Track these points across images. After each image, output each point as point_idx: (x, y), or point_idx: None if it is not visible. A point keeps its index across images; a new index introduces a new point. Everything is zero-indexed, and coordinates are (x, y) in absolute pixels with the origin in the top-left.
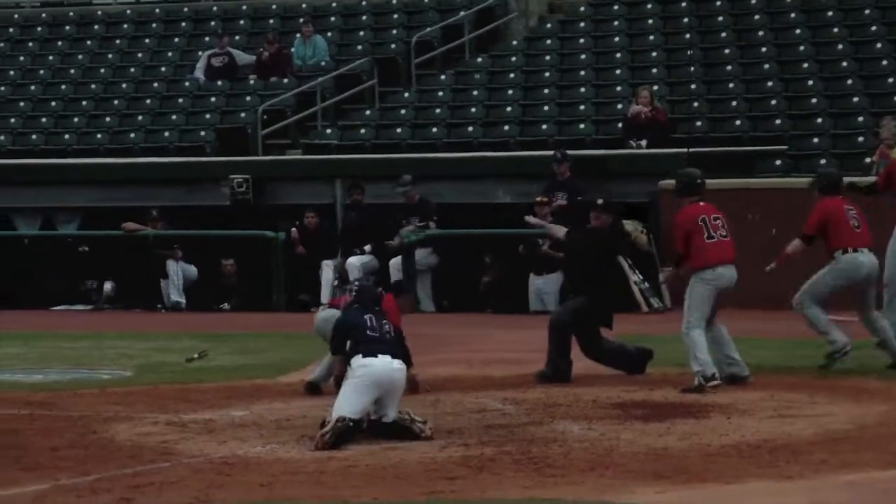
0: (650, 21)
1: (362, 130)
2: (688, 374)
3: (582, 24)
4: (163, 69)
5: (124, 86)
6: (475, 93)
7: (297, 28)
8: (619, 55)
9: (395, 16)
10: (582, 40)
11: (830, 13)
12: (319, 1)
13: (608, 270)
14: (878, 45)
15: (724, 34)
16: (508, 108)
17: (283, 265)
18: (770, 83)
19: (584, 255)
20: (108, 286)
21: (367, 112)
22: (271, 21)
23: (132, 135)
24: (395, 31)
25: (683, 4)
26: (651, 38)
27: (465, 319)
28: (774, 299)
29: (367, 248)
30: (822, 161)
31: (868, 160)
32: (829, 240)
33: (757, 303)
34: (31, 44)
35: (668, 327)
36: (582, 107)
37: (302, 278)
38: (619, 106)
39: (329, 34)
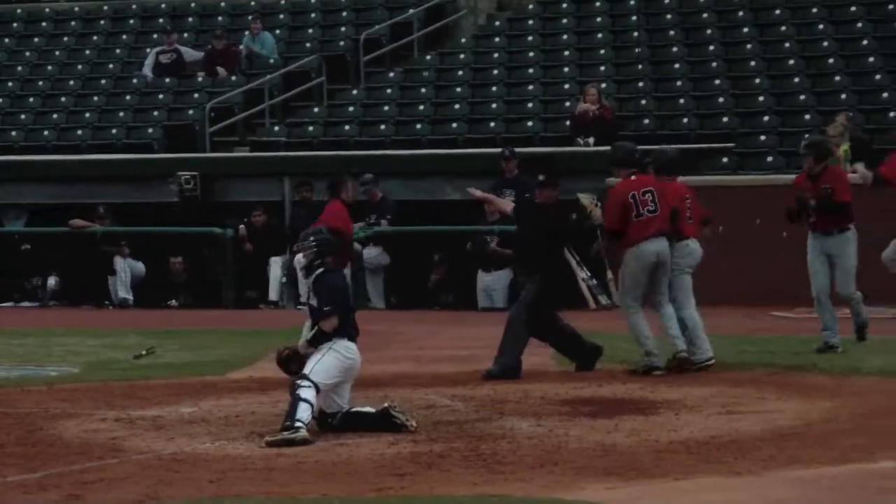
0: (598, 19)
1: (310, 128)
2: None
3: (530, 22)
4: (110, 66)
5: (72, 83)
6: (423, 90)
7: (246, 25)
8: (567, 53)
9: (344, 13)
10: (530, 38)
11: (778, 11)
12: None
13: (559, 247)
14: (825, 44)
15: (671, 32)
16: (457, 106)
17: (232, 262)
18: (717, 81)
19: (533, 231)
20: (51, 281)
21: (316, 109)
22: (220, 18)
23: (79, 132)
24: (343, 29)
25: (632, 2)
26: (599, 35)
27: (413, 316)
28: (717, 295)
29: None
30: (769, 159)
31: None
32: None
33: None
34: None
35: (616, 324)
36: (530, 104)
37: (250, 275)
38: (567, 104)
39: (278, 31)
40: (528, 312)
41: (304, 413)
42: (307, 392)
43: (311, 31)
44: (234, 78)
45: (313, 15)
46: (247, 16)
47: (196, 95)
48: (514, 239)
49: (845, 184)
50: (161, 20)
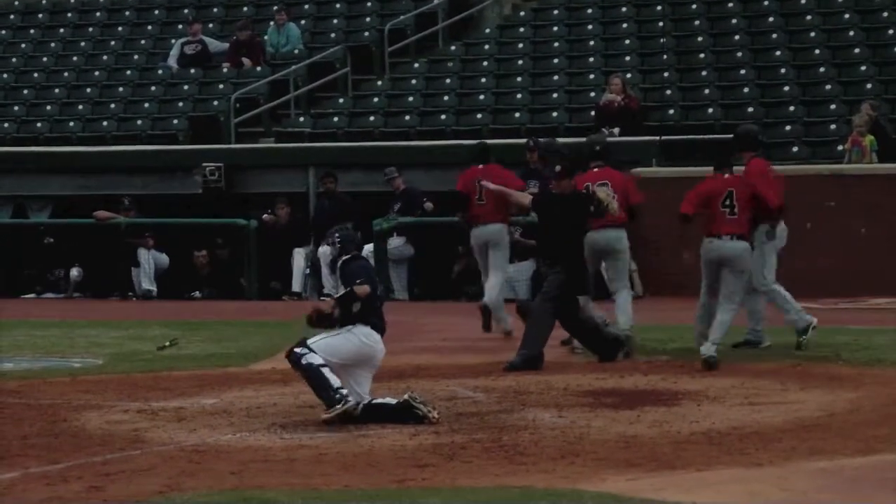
0: (623, 9)
1: (335, 118)
2: (655, 362)
3: (555, 13)
4: (135, 57)
5: (97, 74)
6: (448, 81)
7: (271, 16)
8: (592, 43)
9: (369, 4)
10: (555, 28)
11: (803, 1)
12: None
13: (580, 236)
14: (851, 34)
15: (696, 22)
16: (481, 97)
17: (256, 253)
18: (742, 71)
19: (554, 222)
20: (74, 272)
21: (340, 100)
22: (245, 9)
23: (105, 123)
24: (368, 19)
25: None
26: (624, 25)
27: (437, 307)
28: None
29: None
30: (795, 149)
31: (840, 148)
32: None
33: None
34: (3, 32)
35: (638, 316)
36: (555, 95)
37: (274, 266)
38: (592, 94)
39: (302, 22)
40: (554, 305)
41: (332, 378)
42: (313, 357)
43: (335, 21)
44: (258, 69)
45: (338, 5)
46: (272, 6)
47: (221, 86)
48: (535, 230)
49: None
50: (186, 11)
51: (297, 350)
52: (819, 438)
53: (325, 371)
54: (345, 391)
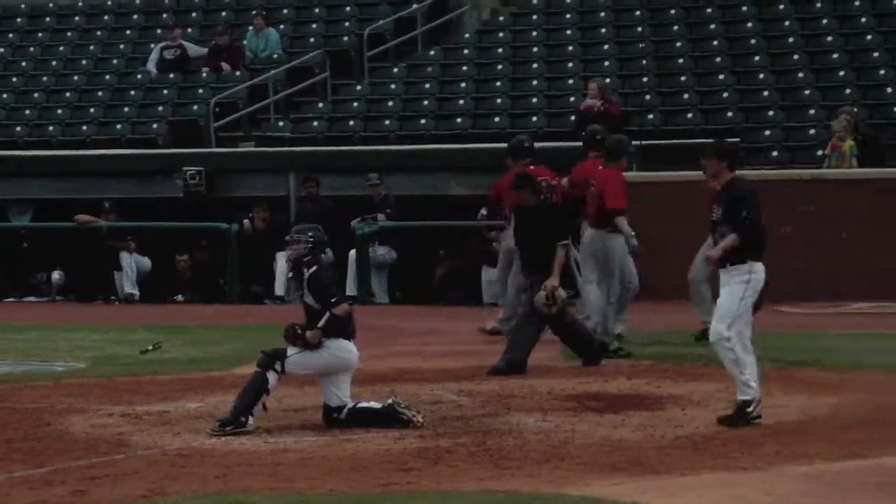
0: (602, 14)
1: (315, 123)
2: (640, 366)
3: (534, 17)
4: (115, 61)
5: (76, 78)
6: (427, 85)
7: (250, 20)
8: (571, 48)
9: (348, 8)
10: (534, 33)
11: (782, 6)
12: None
13: (554, 244)
14: (829, 39)
15: (675, 27)
16: (461, 101)
17: (237, 257)
18: (722, 76)
19: (526, 233)
20: (56, 275)
21: (320, 105)
22: (224, 13)
23: (84, 127)
24: (347, 24)
25: None
26: (603, 30)
27: (418, 312)
28: None
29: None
30: (774, 154)
31: (820, 153)
32: None
33: None
34: None
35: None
36: (534, 99)
37: (255, 270)
38: (572, 99)
39: (282, 27)
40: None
41: (258, 406)
42: (272, 378)
43: (314, 26)
44: (238, 73)
45: (317, 10)
46: (251, 11)
47: (200, 91)
48: (516, 239)
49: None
50: (165, 15)
51: (266, 363)
52: (801, 443)
53: (263, 395)
54: (251, 423)
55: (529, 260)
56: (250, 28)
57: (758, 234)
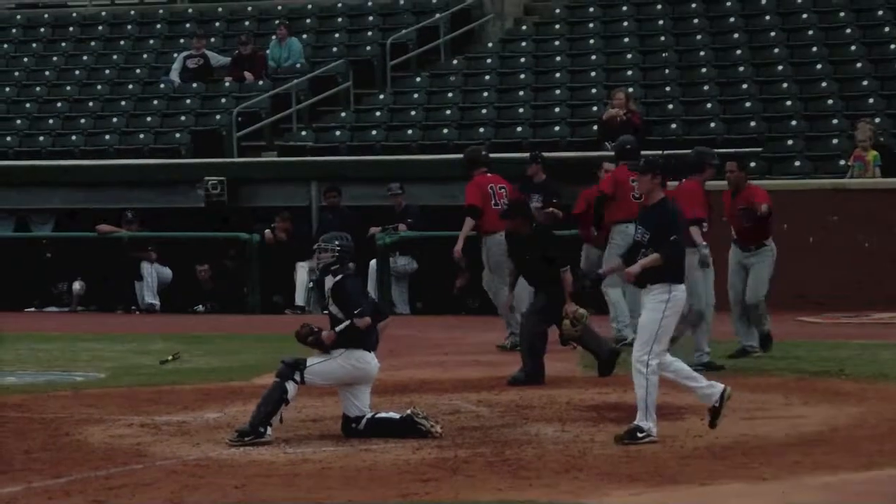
0: (625, 23)
1: (337, 132)
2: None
3: (557, 27)
4: (138, 71)
5: (99, 88)
6: (450, 95)
7: (273, 30)
8: (594, 57)
9: (371, 18)
10: (557, 42)
11: (805, 16)
12: (295, 3)
13: (552, 266)
14: (853, 48)
15: (699, 37)
16: (483, 111)
17: (258, 267)
18: (745, 85)
19: (522, 259)
20: (77, 286)
21: (343, 114)
22: (247, 23)
23: (107, 137)
24: (370, 33)
25: (659, 7)
26: (626, 40)
27: (439, 322)
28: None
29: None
30: (797, 163)
31: (842, 162)
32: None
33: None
34: (5, 45)
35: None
36: (557, 109)
37: (276, 280)
38: (595, 108)
39: (304, 36)
40: (541, 316)
41: (276, 416)
42: (291, 388)
43: (337, 35)
44: (260, 83)
45: (340, 20)
46: (274, 21)
47: (223, 100)
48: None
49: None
50: (188, 25)
51: (287, 373)
52: (822, 453)
53: (282, 405)
54: (270, 433)
55: (530, 281)
56: (273, 37)
57: (681, 257)
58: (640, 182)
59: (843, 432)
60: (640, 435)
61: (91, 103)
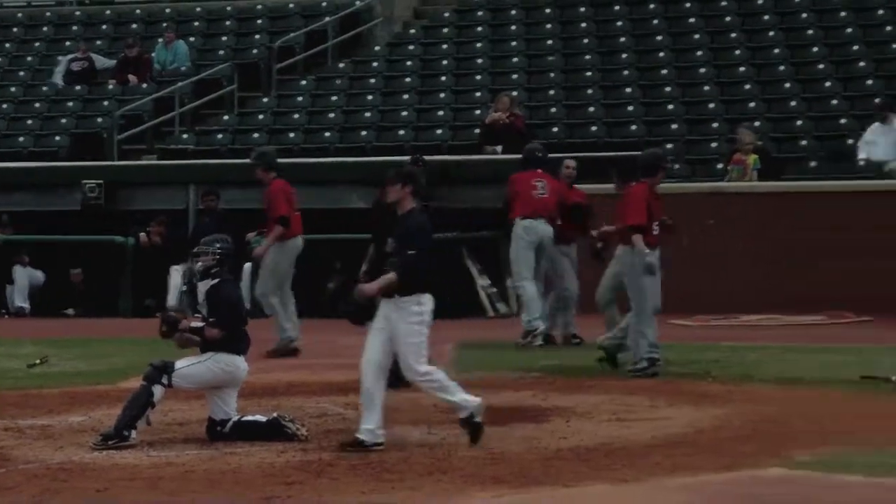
0: (512, 27)
1: (219, 136)
2: (527, 378)
3: (445, 30)
4: (21, 73)
5: None
6: (334, 98)
7: (161, 33)
8: (480, 61)
9: (259, 21)
10: (444, 46)
11: (691, 20)
12: (183, 5)
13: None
14: (737, 52)
15: (585, 40)
16: (367, 114)
17: (132, 270)
18: (628, 89)
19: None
20: None
21: (226, 117)
22: (134, 26)
23: None
24: (258, 36)
25: (547, 11)
26: (513, 43)
27: (310, 325)
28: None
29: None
30: (676, 166)
31: (720, 166)
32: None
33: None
34: None
35: (513, 332)
36: (440, 112)
37: (148, 283)
38: (478, 112)
39: (192, 39)
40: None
41: (141, 420)
42: (158, 391)
43: (225, 38)
44: (145, 86)
45: (228, 23)
46: (161, 23)
47: (106, 103)
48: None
49: None
50: (75, 27)
51: (153, 377)
52: (686, 454)
53: (148, 408)
54: (134, 437)
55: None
56: (160, 40)
57: (422, 269)
58: (390, 192)
59: (706, 434)
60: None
61: None
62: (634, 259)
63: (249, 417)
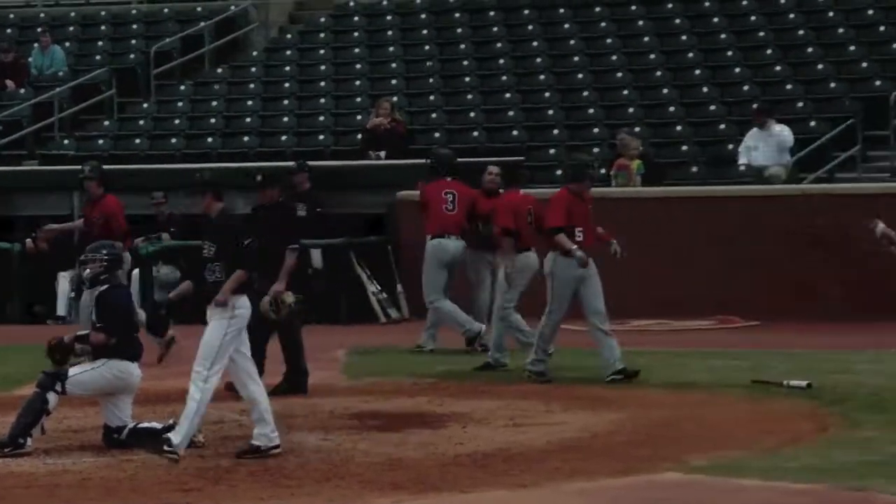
0: (390, 32)
1: (100, 141)
2: (423, 384)
3: (322, 35)
4: None
5: None
6: (214, 103)
7: (36, 37)
8: (358, 66)
9: (135, 26)
10: (322, 51)
11: (567, 25)
12: (58, 10)
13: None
14: (614, 58)
15: (462, 46)
16: (248, 119)
17: (19, 276)
18: (508, 95)
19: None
20: None
21: (106, 123)
22: (9, 30)
23: None
24: (134, 41)
25: (423, 17)
26: (391, 49)
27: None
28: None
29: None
30: (559, 172)
31: (602, 171)
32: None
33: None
34: None
35: (405, 338)
36: (321, 118)
37: (37, 290)
38: (359, 117)
39: (67, 44)
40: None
41: (31, 427)
42: (52, 398)
43: (101, 43)
44: (22, 91)
45: (103, 27)
46: (36, 28)
47: None
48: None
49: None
50: None
51: (47, 384)
52: (581, 459)
53: (43, 416)
54: (30, 444)
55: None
56: (35, 45)
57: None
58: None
59: (601, 438)
60: (168, 448)
61: None
62: (561, 262)
63: (145, 424)
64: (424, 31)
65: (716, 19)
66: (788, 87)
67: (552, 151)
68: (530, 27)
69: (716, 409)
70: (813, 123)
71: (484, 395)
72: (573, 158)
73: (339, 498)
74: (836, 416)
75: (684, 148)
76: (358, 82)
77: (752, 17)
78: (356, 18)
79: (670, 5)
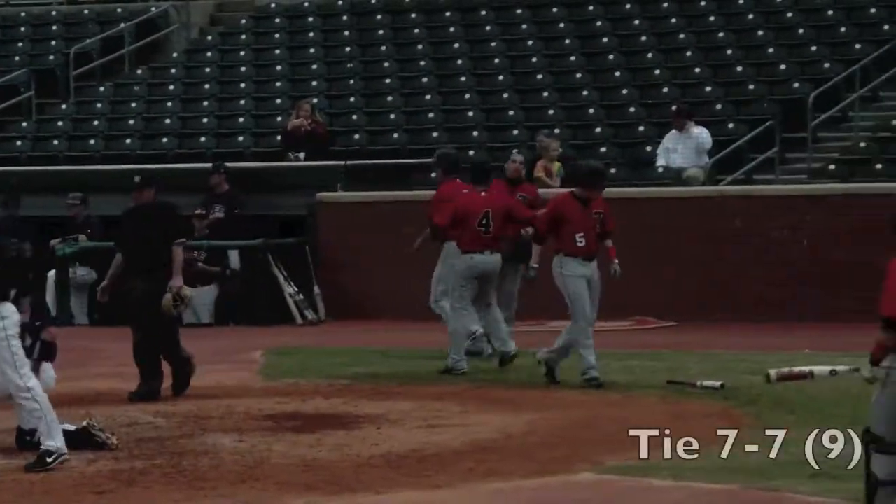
0: (311, 34)
1: (18, 143)
2: (338, 385)
3: (243, 37)
4: None
5: None
6: (134, 105)
7: None
8: (279, 68)
9: (55, 27)
10: (243, 53)
11: (488, 27)
12: None
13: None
14: (534, 59)
15: (382, 48)
16: (167, 121)
17: None
18: (428, 96)
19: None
20: None
21: (24, 124)
22: None
23: None
24: (53, 43)
25: (344, 18)
26: (312, 50)
27: (117, 333)
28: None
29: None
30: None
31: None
32: None
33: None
34: None
35: (322, 339)
36: (241, 119)
37: None
38: (279, 118)
39: None
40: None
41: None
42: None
43: (20, 44)
44: None
45: (23, 28)
46: None
47: None
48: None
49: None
50: None
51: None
52: (497, 460)
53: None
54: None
55: (140, 262)
56: None
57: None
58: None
59: (517, 439)
60: (49, 459)
61: None
62: (567, 262)
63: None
64: (346, 33)
65: (636, 21)
66: (708, 89)
67: (472, 153)
68: (451, 29)
69: (631, 410)
70: (731, 125)
71: (399, 397)
72: (587, 164)
73: (254, 500)
74: (749, 417)
75: (603, 149)
76: (279, 84)
77: (673, 20)
78: (277, 20)
79: (591, 7)
